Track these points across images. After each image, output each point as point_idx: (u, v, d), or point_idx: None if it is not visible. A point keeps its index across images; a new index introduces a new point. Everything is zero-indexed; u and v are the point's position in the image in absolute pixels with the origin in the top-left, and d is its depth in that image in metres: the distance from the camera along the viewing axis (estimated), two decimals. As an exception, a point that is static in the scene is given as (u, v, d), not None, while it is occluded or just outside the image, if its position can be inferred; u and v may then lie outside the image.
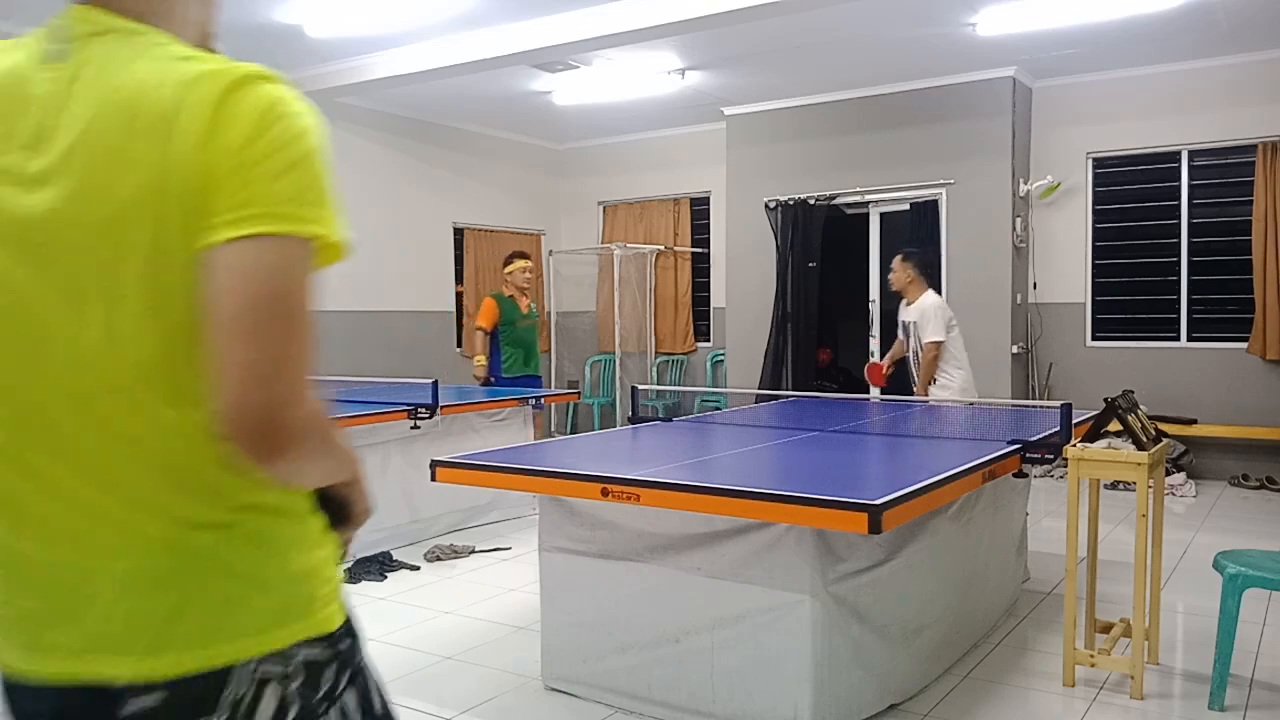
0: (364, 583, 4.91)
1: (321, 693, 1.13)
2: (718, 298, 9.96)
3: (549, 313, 10.74)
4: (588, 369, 10.56)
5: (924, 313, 5.84)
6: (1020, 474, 3.78)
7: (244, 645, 1.06)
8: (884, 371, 6.36)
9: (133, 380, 1.02)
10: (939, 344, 5.79)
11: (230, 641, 1.06)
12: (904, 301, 6.12)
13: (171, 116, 1.00)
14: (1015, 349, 7.88)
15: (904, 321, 6.10)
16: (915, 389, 5.82)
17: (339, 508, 1.21)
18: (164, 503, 1.04)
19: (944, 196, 8.15)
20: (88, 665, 1.05)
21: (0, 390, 1.07)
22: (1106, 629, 3.80)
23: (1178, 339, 7.87)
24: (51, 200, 1.02)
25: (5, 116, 1.08)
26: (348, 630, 1.17)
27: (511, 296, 7.10)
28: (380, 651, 3.91)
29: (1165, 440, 3.62)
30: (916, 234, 8.36)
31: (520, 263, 7.13)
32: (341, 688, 1.15)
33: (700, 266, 10.25)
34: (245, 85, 1.03)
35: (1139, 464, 3.33)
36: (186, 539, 1.05)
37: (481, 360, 7.01)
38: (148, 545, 1.05)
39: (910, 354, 6.01)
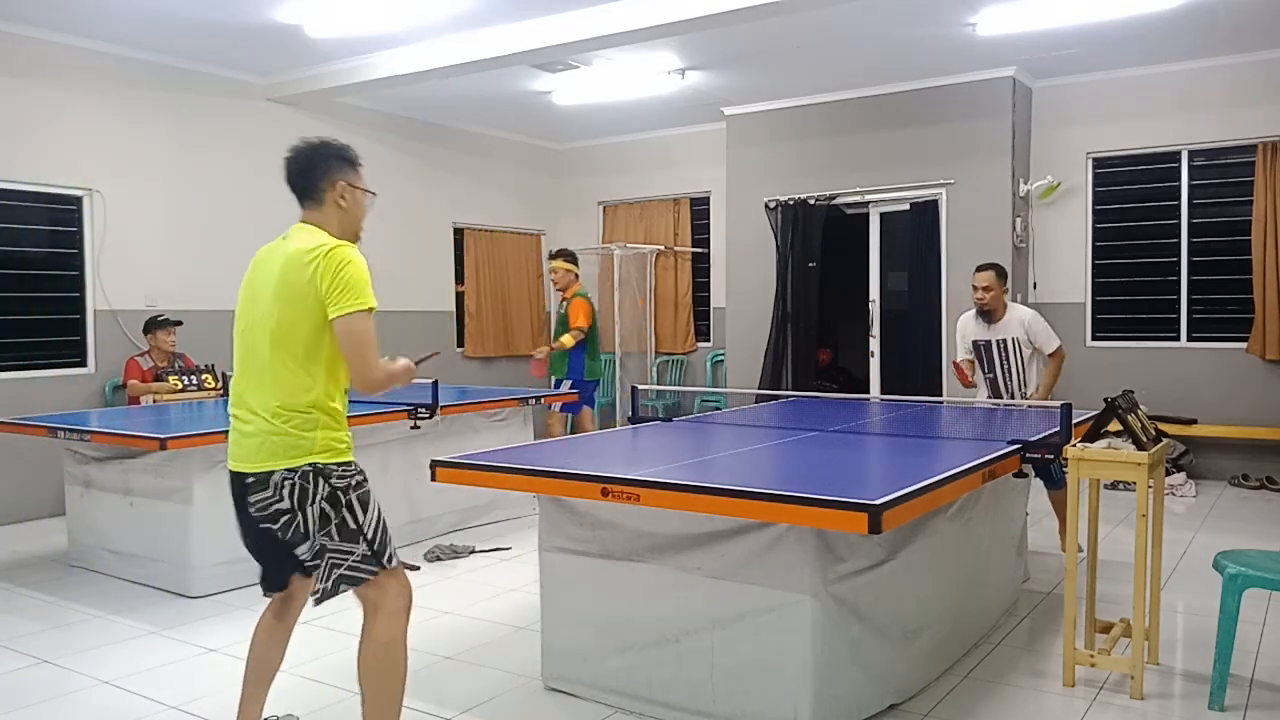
0: (364, 583, 4.90)
1: (313, 488, 2.59)
2: (718, 298, 9.96)
3: (549, 313, 10.73)
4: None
5: (1030, 324, 5.46)
6: (1020, 474, 3.78)
7: (279, 464, 2.59)
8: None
9: (272, 348, 2.60)
10: (1062, 348, 5.54)
11: (275, 461, 2.59)
12: (973, 316, 5.60)
13: (300, 267, 2.57)
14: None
15: (990, 341, 5.53)
16: (1027, 396, 5.45)
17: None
18: (269, 401, 2.62)
19: (944, 196, 8.15)
20: (236, 465, 2.68)
21: (244, 337, 2.73)
22: (1106, 629, 3.80)
23: (1178, 339, 7.86)
24: (269, 287, 2.63)
25: (262, 262, 2.75)
26: (340, 465, 2.63)
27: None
28: (380, 651, 3.90)
29: (1165, 440, 3.62)
30: (916, 234, 8.36)
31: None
32: (331, 489, 2.59)
33: (700, 266, 10.25)
34: (318, 249, 2.59)
35: (1139, 464, 3.33)
36: (272, 422, 2.60)
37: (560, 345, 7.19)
38: (260, 418, 2.62)
39: (1002, 372, 5.52)
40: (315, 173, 2.69)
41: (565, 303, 7.36)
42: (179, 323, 6.93)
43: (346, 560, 2.57)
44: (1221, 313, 7.74)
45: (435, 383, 5.59)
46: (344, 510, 2.58)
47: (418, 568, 5.20)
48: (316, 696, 3.45)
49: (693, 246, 10.22)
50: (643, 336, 10.37)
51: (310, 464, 2.56)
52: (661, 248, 10.23)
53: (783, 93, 8.60)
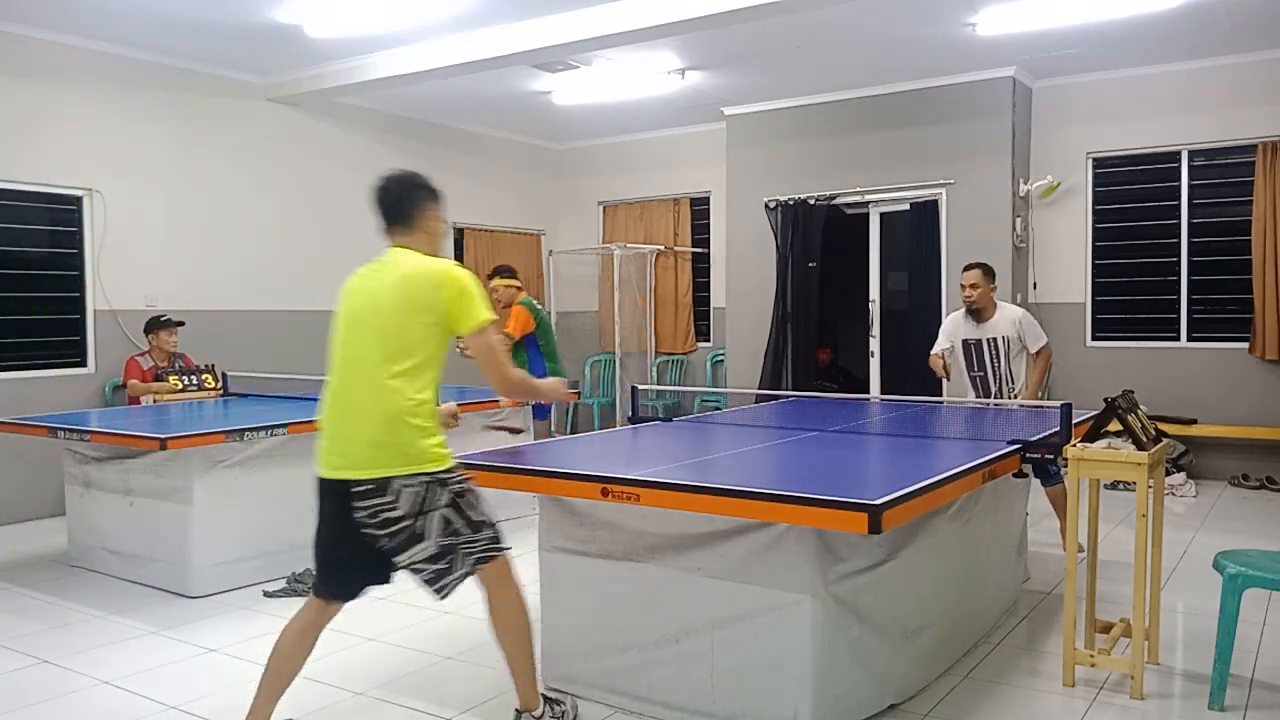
0: (364, 583, 4.90)
1: (432, 496, 2.75)
2: (718, 298, 9.96)
3: (549, 313, 10.73)
4: (588, 369, 10.55)
5: (1022, 323, 5.47)
6: (1020, 474, 3.78)
7: (398, 471, 2.72)
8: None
9: (381, 361, 2.77)
10: (1048, 346, 5.54)
11: (394, 469, 2.73)
12: (962, 315, 5.63)
13: (427, 287, 2.78)
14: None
15: (980, 340, 5.54)
16: (1015, 396, 5.44)
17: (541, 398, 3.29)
18: (380, 410, 2.75)
19: (944, 196, 8.15)
20: (344, 474, 2.77)
21: (348, 351, 2.85)
22: (1106, 629, 3.80)
23: (1178, 339, 7.87)
24: (381, 303, 2.80)
25: (363, 284, 2.90)
26: (448, 472, 2.80)
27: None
28: (381, 651, 3.91)
29: (1165, 440, 3.62)
30: (916, 234, 8.36)
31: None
32: (444, 500, 2.77)
33: (700, 266, 10.24)
34: (440, 272, 2.81)
35: (1139, 464, 3.33)
36: (384, 430, 2.73)
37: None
38: (372, 426, 2.75)
39: (991, 371, 5.52)
40: (408, 202, 2.94)
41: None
42: (181, 323, 6.93)
43: (478, 546, 2.82)
44: (1221, 313, 7.74)
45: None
46: (467, 510, 2.80)
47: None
48: (316, 697, 3.45)
49: (693, 246, 10.22)
50: (643, 336, 10.36)
51: (428, 474, 2.75)
52: (661, 248, 10.23)
53: (783, 93, 8.60)
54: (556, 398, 3.20)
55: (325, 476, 2.81)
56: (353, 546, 2.81)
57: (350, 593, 2.95)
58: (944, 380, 5.79)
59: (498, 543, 2.88)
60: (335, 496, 2.79)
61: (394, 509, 2.72)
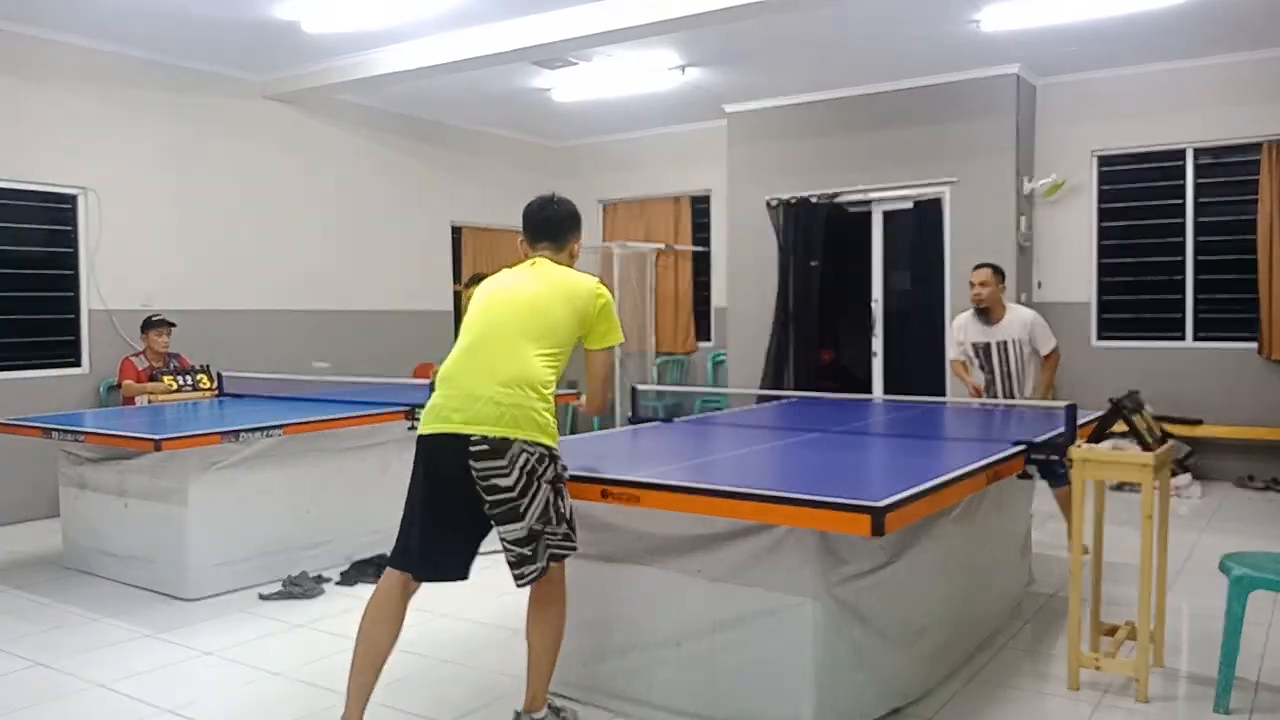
0: (361, 585, 4.87)
1: (544, 468, 2.84)
2: (718, 297, 9.92)
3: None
4: (588, 369, 10.50)
5: (1033, 325, 5.42)
6: (1024, 475, 3.74)
7: (520, 435, 2.80)
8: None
9: (522, 337, 2.96)
10: (1057, 349, 5.50)
11: (518, 431, 2.81)
12: (971, 317, 5.56)
13: (586, 297, 3.07)
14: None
15: (989, 343, 5.48)
16: (1022, 396, 5.39)
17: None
18: (517, 373, 2.89)
19: (947, 195, 8.11)
20: (463, 428, 2.83)
21: (490, 324, 3.02)
22: (1111, 631, 3.76)
23: (1183, 339, 7.83)
24: (537, 290, 3.06)
25: (514, 277, 3.15)
26: (558, 455, 2.92)
27: None
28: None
29: (1171, 441, 3.60)
30: (919, 233, 8.32)
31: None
32: (555, 474, 2.88)
33: (701, 265, 10.21)
34: (597, 288, 3.11)
35: (1144, 465, 3.30)
36: (514, 392, 2.84)
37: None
38: (505, 387, 2.85)
39: (1001, 374, 5.47)
40: (568, 228, 3.26)
41: None
42: (172, 324, 6.88)
43: (556, 538, 2.88)
44: (1227, 312, 7.70)
45: (434, 382, 5.54)
46: (560, 497, 2.90)
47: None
48: (314, 700, 3.42)
49: (693, 245, 10.19)
50: (643, 336, 10.33)
51: (546, 447, 2.85)
52: (662, 246, 10.19)
53: (784, 90, 8.57)
54: (600, 412, 3.41)
55: (441, 431, 2.85)
56: (457, 508, 2.87)
57: (431, 566, 2.94)
58: (974, 389, 5.67)
59: (571, 540, 2.94)
60: (447, 454, 2.83)
61: (505, 475, 2.78)
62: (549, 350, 2.94)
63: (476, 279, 7.12)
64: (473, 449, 2.79)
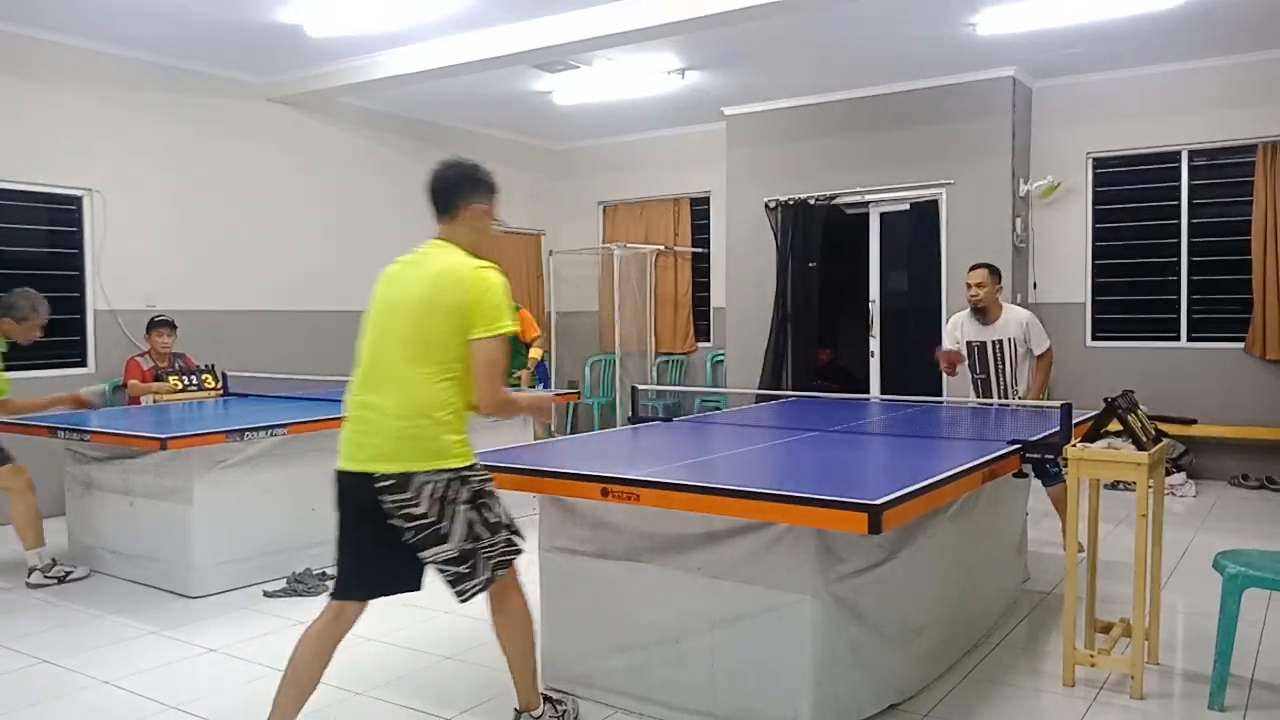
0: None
1: (455, 492, 2.73)
2: (718, 298, 9.95)
3: (549, 313, 10.73)
4: (588, 369, 10.55)
5: (1029, 325, 5.45)
6: (1020, 474, 3.78)
7: (421, 466, 2.70)
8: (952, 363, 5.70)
9: (404, 361, 2.76)
10: (1051, 349, 5.53)
11: (417, 464, 2.70)
12: (967, 316, 5.59)
13: (464, 284, 2.72)
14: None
15: (985, 342, 5.51)
16: (1019, 397, 5.42)
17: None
18: (404, 403, 2.73)
19: (944, 196, 8.15)
20: (366, 466, 2.73)
21: (376, 344, 2.86)
22: (1106, 629, 3.80)
23: (1178, 339, 7.86)
24: (410, 298, 2.78)
25: (397, 275, 2.91)
26: (470, 469, 2.78)
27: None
28: (380, 651, 3.91)
29: (1165, 440, 3.62)
30: (916, 234, 8.36)
31: None
32: (471, 492, 2.76)
33: (700, 266, 10.24)
34: (478, 270, 2.76)
35: (1139, 464, 3.33)
36: (408, 424, 2.71)
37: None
38: (395, 420, 2.72)
39: (996, 373, 5.49)
40: (454, 193, 2.88)
41: None
42: (175, 325, 6.90)
43: (496, 549, 2.80)
44: (1221, 313, 7.74)
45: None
46: (485, 511, 2.78)
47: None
48: (316, 697, 3.44)
49: (693, 246, 10.22)
50: (643, 336, 10.36)
51: (451, 470, 2.72)
52: (661, 248, 10.23)
53: (783, 93, 8.60)
54: (540, 414, 3.10)
55: (347, 469, 2.78)
56: (376, 539, 2.76)
57: (373, 588, 2.87)
58: (947, 376, 5.74)
59: (514, 545, 2.86)
60: (358, 490, 2.75)
61: (415, 504, 2.69)
62: (435, 363, 2.72)
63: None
64: (377, 485, 2.70)
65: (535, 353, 7.76)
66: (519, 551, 2.87)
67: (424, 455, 2.71)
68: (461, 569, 2.75)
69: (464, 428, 2.80)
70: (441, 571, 2.78)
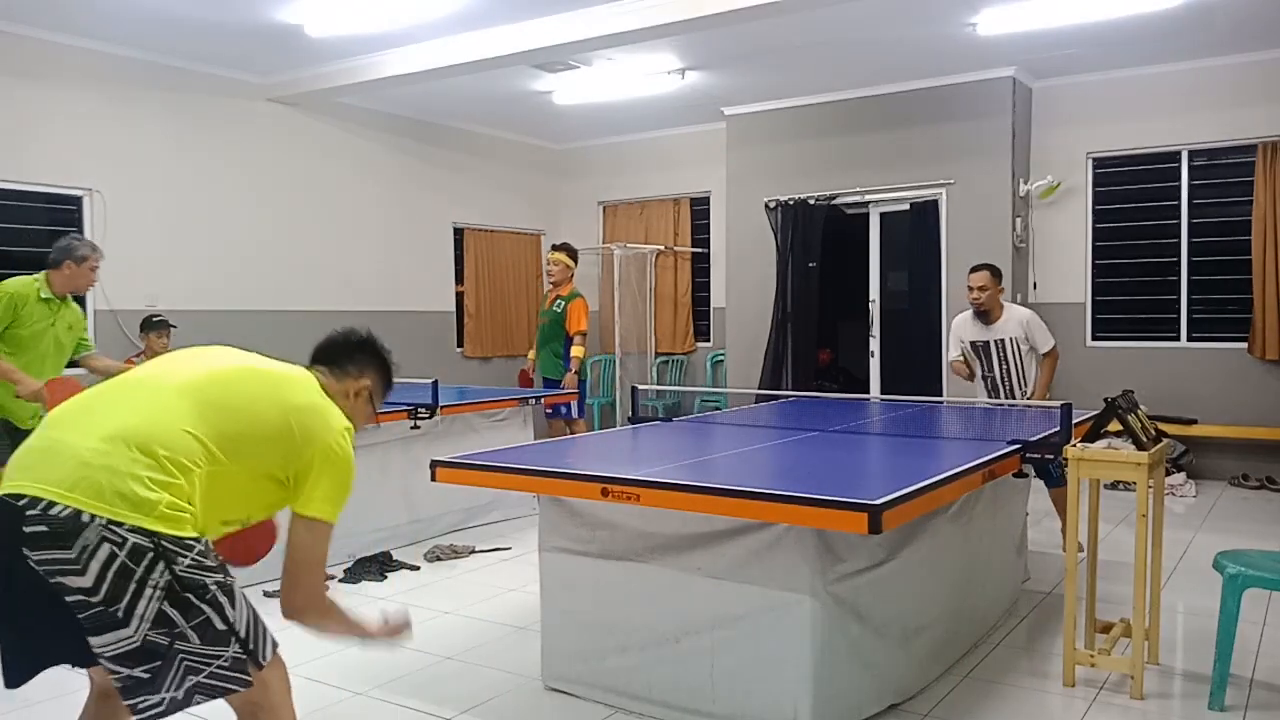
0: (364, 583, 4.91)
1: (143, 572, 1.87)
2: (718, 298, 9.95)
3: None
4: (588, 369, 10.53)
5: (1029, 323, 5.45)
6: (1020, 474, 3.78)
7: (104, 509, 1.87)
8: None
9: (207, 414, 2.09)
10: (1056, 348, 5.52)
11: (101, 504, 1.88)
12: (969, 317, 5.58)
13: (324, 438, 2.20)
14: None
15: (988, 341, 5.50)
16: (1025, 397, 5.42)
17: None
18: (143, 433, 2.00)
19: (944, 197, 8.15)
20: (30, 487, 1.90)
21: (155, 378, 2.16)
22: (1106, 629, 3.80)
23: (1178, 339, 7.87)
24: (240, 381, 2.21)
25: (228, 351, 2.33)
26: (181, 545, 1.92)
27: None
28: (380, 651, 3.91)
29: (1165, 440, 3.62)
30: (916, 234, 8.36)
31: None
32: (162, 582, 1.89)
33: (700, 266, 10.24)
34: (344, 440, 2.22)
35: (1139, 464, 3.33)
36: (126, 447, 1.96)
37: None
38: (107, 444, 1.96)
39: (1001, 373, 5.49)
40: (353, 360, 2.39)
41: (561, 301, 7.28)
42: (172, 325, 6.88)
43: (209, 664, 1.92)
44: (1221, 313, 7.74)
45: (435, 382, 5.59)
46: (204, 606, 1.93)
47: (418, 568, 5.20)
48: (316, 697, 3.45)
49: (693, 246, 10.22)
50: (643, 336, 10.36)
51: (150, 533, 1.88)
52: (661, 248, 10.23)
53: (783, 93, 8.60)
54: (350, 631, 2.45)
55: (7, 491, 1.94)
56: (34, 595, 1.90)
57: (32, 665, 2.13)
58: (970, 380, 5.72)
59: (253, 664, 2.00)
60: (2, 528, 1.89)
61: (75, 566, 1.84)
62: (229, 452, 2.06)
63: (564, 249, 7.31)
64: (29, 514, 1.88)
65: (578, 350, 7.01)
66: (248, 680, 1.99)
67: (114, 499, 1.89)
68: (140, 671, 1.89)
69: (191, 502, 2.00)
70: (112, 673, 1.92)
